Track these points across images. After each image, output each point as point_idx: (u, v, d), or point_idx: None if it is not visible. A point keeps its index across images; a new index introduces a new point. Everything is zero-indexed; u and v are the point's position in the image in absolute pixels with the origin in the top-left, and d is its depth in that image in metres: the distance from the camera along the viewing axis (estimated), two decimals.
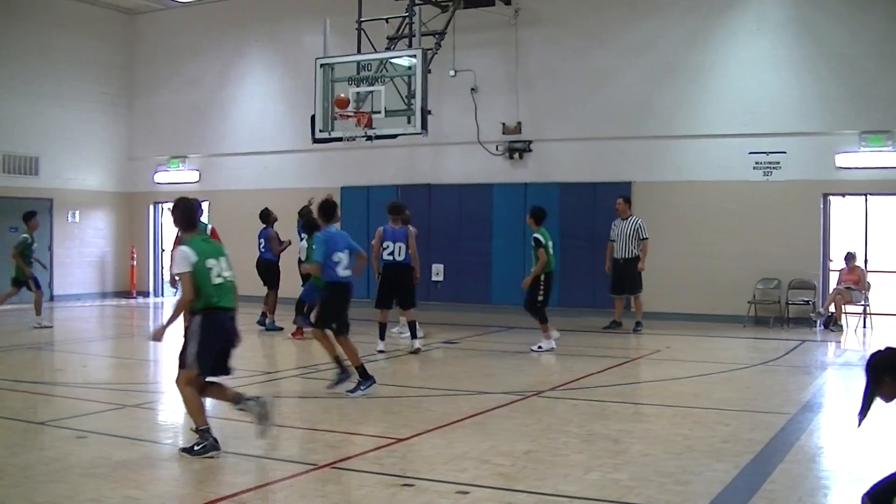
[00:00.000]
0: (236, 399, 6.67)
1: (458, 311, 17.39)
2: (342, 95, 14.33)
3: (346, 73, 14.97)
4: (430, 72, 14.83)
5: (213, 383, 6.67)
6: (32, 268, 15.24)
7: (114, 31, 22.08)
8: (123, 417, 8.03)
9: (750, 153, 15.86)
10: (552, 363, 11.61)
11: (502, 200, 17.76)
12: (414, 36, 15.13)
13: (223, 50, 21.10)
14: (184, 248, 6.38)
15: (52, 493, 5.56)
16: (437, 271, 18.21)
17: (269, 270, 14.87)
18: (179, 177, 21.71)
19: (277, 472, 6.13)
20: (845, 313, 15.15)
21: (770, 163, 15.72)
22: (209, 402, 6.84)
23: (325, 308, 9.09)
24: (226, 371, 6.71)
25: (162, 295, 21.94)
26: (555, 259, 12.53)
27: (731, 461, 6.30)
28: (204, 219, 13.13)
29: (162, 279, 21.97)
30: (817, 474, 6.27)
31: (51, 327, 15.15)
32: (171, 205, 6.89)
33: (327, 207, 9.27)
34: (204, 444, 6.36)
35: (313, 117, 15.18)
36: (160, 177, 21.99)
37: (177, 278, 6.46)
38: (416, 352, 11.92)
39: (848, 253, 15.33)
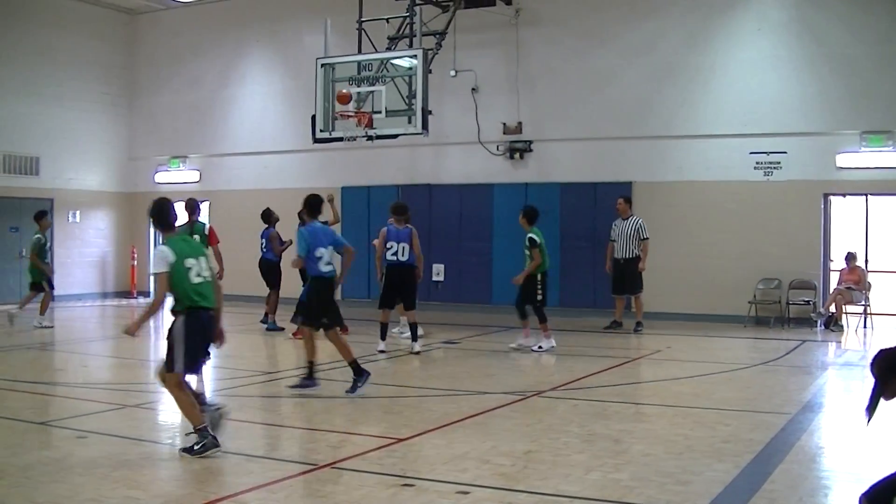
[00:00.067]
0: (197, 399, 6.71)
1: (458, 311, 17.39)
2: (345, 91, 14.33)
3: (346, 73, 14.97)
4: (430, 72, 14.83)
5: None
6: (48, 266, 15.35)
7: (114, 31, 22.08)
8: (123, 417, 8.03)
9: (750, 153, 15.85)
10: (553, 363, 11.60)
11: (503, 200, 17.76)
12: (415, 36, 15.13)
13: (224, 50, 21.10)
14: (163, 248, 6.42)
15: (52, 493, 5.56)
16: (438, 271, 18.21)
17: (270, 271, 14.87)
18: (180, 177, 21.72)
19: (277, 472, 6.13)
20: (846, 313, 15.14)
21: (771, 163, 15.72)
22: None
23: (311, 304, 9.10)
24: (197, 370, 6.82)
25: None
26: (549, 258, 12.51)
27: (732, 461, 6.30)
28: (202, 219, 13.11)
29: None
30: (818, 474, 6.27)
31: (52, 327, 15.16)
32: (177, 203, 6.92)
33: (312, 203, 9.28)
34: (203, 442, 6.37)
35: (314, 117, 15.19)
36: (161, 177, 21.99)
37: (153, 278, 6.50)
38: (416, 354, 11.90)
39: (848, 253, 15.32)
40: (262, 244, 14.97)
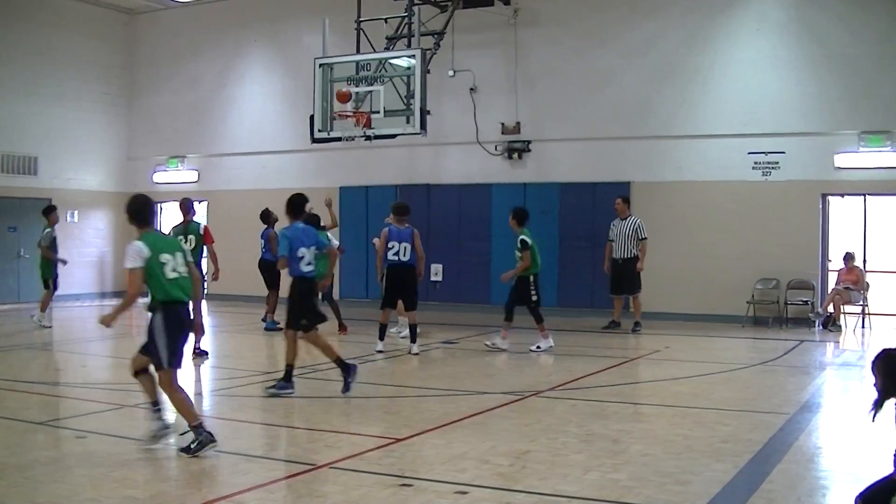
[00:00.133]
0: (155, 402, 6.74)
1: (457, 311, 17.39)
2: (344, 89, 14.33)
3: (345, 72, 14.96)
4: (429, 72, 14.82)
5: (149, 373, 6.75)
6: (57, 264, 15.39)
7: (114, 31, 22.08)
8: (123, 417, 8.02)
9: (749, 153, 15.87)
10: (551, 363, 11.61)
11: (501, 200, 17.74)
12: (413, 36, 15.13)
13: (223, 50, 21.10)
14: (137, 244, 6.44)
15: (51, 493, 5.56)
16: (437, 271, 18.21)
17: (269, 271, 14.85)
18: (178, 177, 21.71)
19: (277, 472, 6.14)
20: (844, 313, 15.16)
21: (769, 163, 15.73)
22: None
23: (292, 305, 9.05)
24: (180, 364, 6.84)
25: None
26: (540, 260, 12.50)
27: (730, 461, 6.31)
28: (197, 218, 13.08)
29: None
30: (816, 474, 6.28)
31: (50, 327, 15.15)
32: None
33: (295, 203, 9.24)
34: (200, 439, 6.39)
35: (312, 117, 15.18)
36: (159, 177, 21.99)
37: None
38: (415, 355, 11.90)
39: (847, 253, 15.34)
40: (261, 244, 14.98)
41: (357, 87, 14.71)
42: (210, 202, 21.09)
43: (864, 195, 15.49)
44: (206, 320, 13.64)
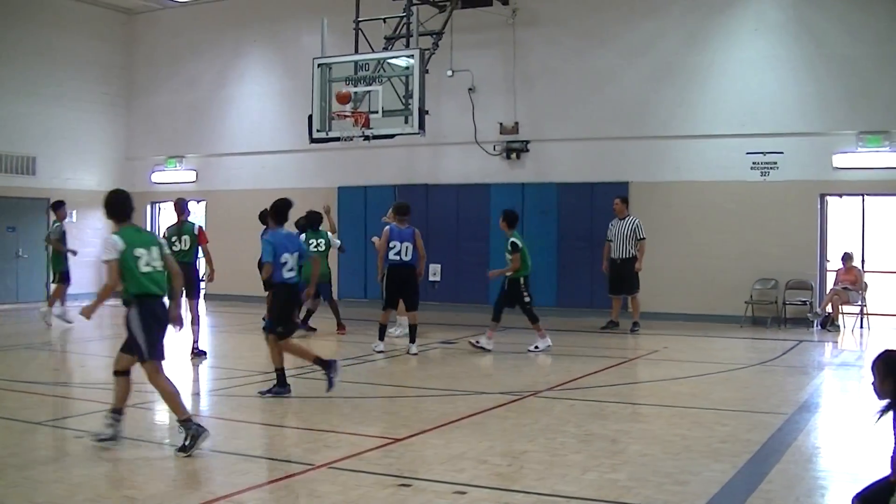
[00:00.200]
0: (119, 409, 6.76)
1: (455, 311, 17.39)
2: (344, 90, 14.33)
3: (343, 72, 14.95)
4: (427, 72, 14.82)
5: (128, 378, 6.80)
6: (67, 256, 15.41)
7: (113, 31, 22.06)
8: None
9: (748, 153, 15.87)
10: (549, 363, 11.61)
11: (500, 200, 17.70)
12: (411, 36, 15.13)
13: (222, 50, 21.09)
14: (112, 237, 6.64)
15: (50, 493, 5.56)
16: (435, 271, 18.19)
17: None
18: (177, 177, 21.69)
19: (275, 472, 6.14)
20: (842, 313, 15.16)
21: (767, 163, 15.74)
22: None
23: (274, 311, 9.00)
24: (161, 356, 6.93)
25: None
26: (530, 262, 12.50)
27: (729, 461, 6.31)
28: (195, 218, 13.09)
29: None
30: (814, 474, 6.28)
31: (72, 323, 15.09)
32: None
33: (279, 208, 9.21)
34: (190, 433, 6.43)
35: (311, 117, 15.18)
36: (157, 176, 21.97)
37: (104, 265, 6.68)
38: (413, 355, 11.90)
39: (845, 253, 15.33)
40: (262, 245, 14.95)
41: (355, 87, 14.71)
42: (209, 202, 21.08)
43: (863, 195, 15.49)
44: (204, 320, 13.59)
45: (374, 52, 15.35)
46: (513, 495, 5.53)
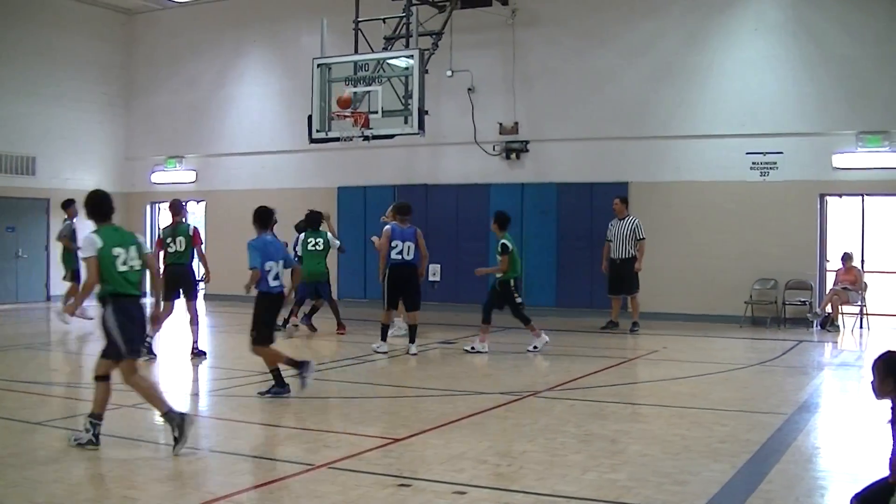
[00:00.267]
0: (99, 414, 6.72)
1: (455, 312, 17.39)
2: (346, 94, 14.33)
3: (343, 73, 14.97)
4: (427, 72, 14.82)
5: (108, 383, 6.79)
6: (77, 254, 15.39)
7: (112, 31, 22.06)
8: (121, 417, 7.99)
9: (747, 153, 15.87)
10: (549, 363, 11.60)
11: (500, 201, 17.71)
12: (411, 36, 15.13)
13: (222, 50, 21.09)
14: (91, 235, 6.66)
15: (49, 493, 5.56)
16: (435, 271, 18.11)
17: None
18: (176, 177, 21.69)
19: (275, 472, 6.14)
20: (842, 314, 15.16)
21: (767, 163, 15.74)
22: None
23: (256, 319, 8.95)
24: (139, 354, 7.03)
25: None
26: (520, 264, 12.51)
27: (729, 461, 6.31)
28: (196, 220, 13.09)
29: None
30: (814, 474, 6.28)
31: (92, 318, 15.03)
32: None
33: (262, 215, 9.19)
34: (174, 425, 6.45)
35: (310, 117, 15.18)
36: (157, 177, 21.97)
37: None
38: (413, 355, 11.90)
39: (844, 253, 15.33)
40: None
41: (355, 87, 14.72)
42: (208, 202, 21.08)
43: (862, 195, 15.50)
44: (204, 320, 13.60)
45: (373, 52, 15.36)
46: (512, 495, 5.53)
